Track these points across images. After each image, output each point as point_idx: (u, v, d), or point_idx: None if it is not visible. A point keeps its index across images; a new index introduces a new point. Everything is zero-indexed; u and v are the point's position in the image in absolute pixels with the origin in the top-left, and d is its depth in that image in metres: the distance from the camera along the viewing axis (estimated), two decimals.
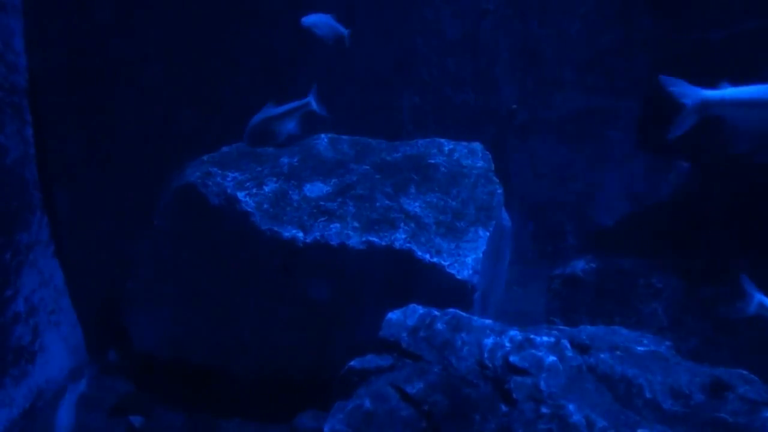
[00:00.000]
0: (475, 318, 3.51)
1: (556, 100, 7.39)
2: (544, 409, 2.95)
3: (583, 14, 7.26)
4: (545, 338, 3.29)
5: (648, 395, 3.04)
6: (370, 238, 4.17)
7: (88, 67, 5.01)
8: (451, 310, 3.55)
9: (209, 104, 5.60)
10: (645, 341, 3.40)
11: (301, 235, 4.23)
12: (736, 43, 4.83)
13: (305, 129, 4.81)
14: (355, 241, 4.17)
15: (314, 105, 4.54)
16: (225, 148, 4.82)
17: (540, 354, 3.19)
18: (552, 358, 3.16)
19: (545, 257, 7.20)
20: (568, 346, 3.27)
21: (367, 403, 3.16)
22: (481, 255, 4.16)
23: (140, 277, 4.71)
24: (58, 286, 4.81)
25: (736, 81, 4.35)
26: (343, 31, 4.82)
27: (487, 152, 4.93)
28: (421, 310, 3.57)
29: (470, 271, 4.06)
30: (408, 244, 4.13)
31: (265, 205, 4.36)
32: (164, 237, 4.57)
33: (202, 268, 4.51)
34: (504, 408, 3.01)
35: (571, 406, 2.92)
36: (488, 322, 3.48)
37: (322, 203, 4.39)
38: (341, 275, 4.23)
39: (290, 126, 4.58)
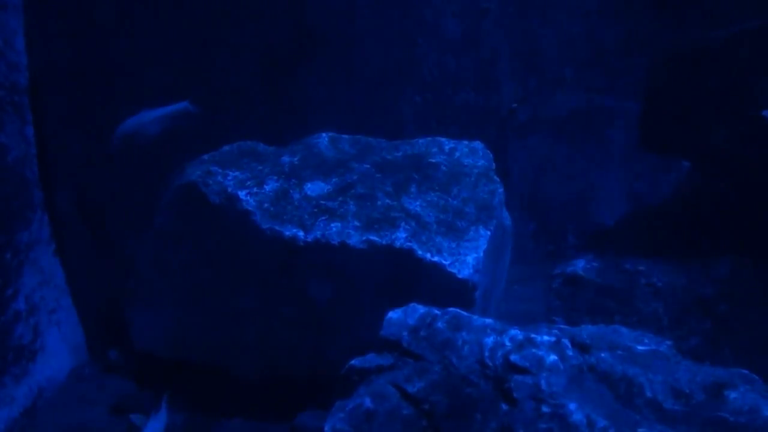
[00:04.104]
0: (476, 317, 3.50)
1: (557, 99, 7.39)
2: (544, 409, 2.94)
3: (584, 13, 7.26)
4: (546, 337, 3.28)
5: (648, 395, 3.03)
6: (371, 237, 4.17)
7: (90, 66, 5.02)
8: (451, 309, 3.55)
9: (210, 103, 5.61)
10: (646, 340, 3.40)
11: (301, 234, 4.22)
12: (736, 43, 4.83)
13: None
14: (355, 240, 4.17)
15: (191, 108, 4.51)
16: (225, 147, 4.82)
17: (541, 353, 3.19)
18: (553, 357, 3.16)
19: (546, 256, 7.21)
20: (569, 345, 3.27)
21: (368, 402, 3.16)
22: (481, 254, 4.15)
23: (141, 276, 4.71)
24: (58, 285, 4.82)
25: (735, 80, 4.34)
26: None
27: (488, 151, 4.92)
28: (421, 309, 3.57)
29: (471, 270, 4.06)
30: (409, 243, 4.13)
31: (266, 204, 4.36)
32: (165, 236, 4.57)
33: (202, 267, 4.51)
34: (505, 407, 3.01)
35: (571, 406, 2.92)
36: (489, 321, 3.48)
37: (322, 202, 4.39)
38: (342, 274, 4.23)
39: (159, 130, 4.51)
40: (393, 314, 3.57)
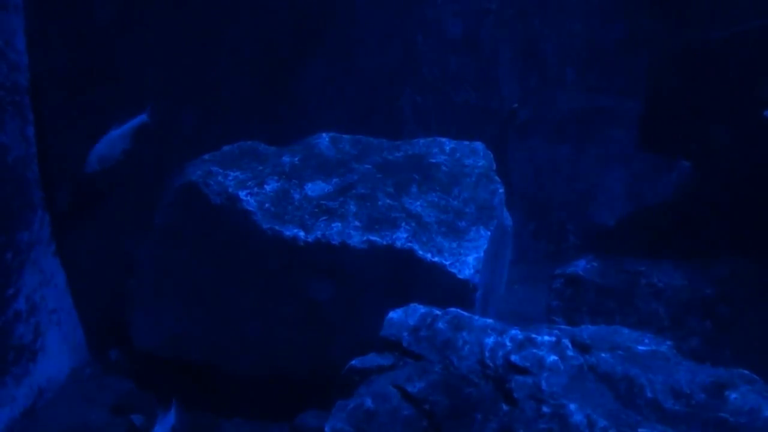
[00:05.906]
0: (476, 317, 3.51)
1: (558, 99, 7.39)
2: (545, 409, 2.95)
3: (584, 13, 7.26)
4: (546, 337, 3.29)
5: (649, 395, 3.04)
6: (372, 238, 4.17)
7: (90, 66, 5.01)
8: (452, 309, 3.55)
9: (210, 103, 5.61)
10: (646, 341, 3.40)
11: (302, 234, 4.22)
12: (736, 43, 4.84)
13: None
14: (356, 240, 4.17)
15: (148, 119, 4.53)
16: (226, 147, 4.82)
17: (541, 353, 3.19)
18: (553, 358, 3.16)
19: (546, 256, 7.21)
20: (569, 345, 3.27)
21: (369, 402, 3.16)
22: (482, 254, 4.15)
23: (141, 276, 4.71)
24: (59, 285, 4.82)
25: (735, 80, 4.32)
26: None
27: (489, 151, 4.92)
28: (422, 309, 3.57)
29: (471, 271, 4.06)
30: (409, 244, 4.13)
31: (267, 204, 4.36)
32: (165, 236, 4.57)
33: (203, 267, 4.51)
34: (505, 407, 3.01)
35: (572, 406, 2.92)
36: (489, 321, 3.48)
37: (323, 202, 4.39)
38: (342, 274, 4.23)
39: (124, 146, 4.52)
40: (393, 314, 3.58)
